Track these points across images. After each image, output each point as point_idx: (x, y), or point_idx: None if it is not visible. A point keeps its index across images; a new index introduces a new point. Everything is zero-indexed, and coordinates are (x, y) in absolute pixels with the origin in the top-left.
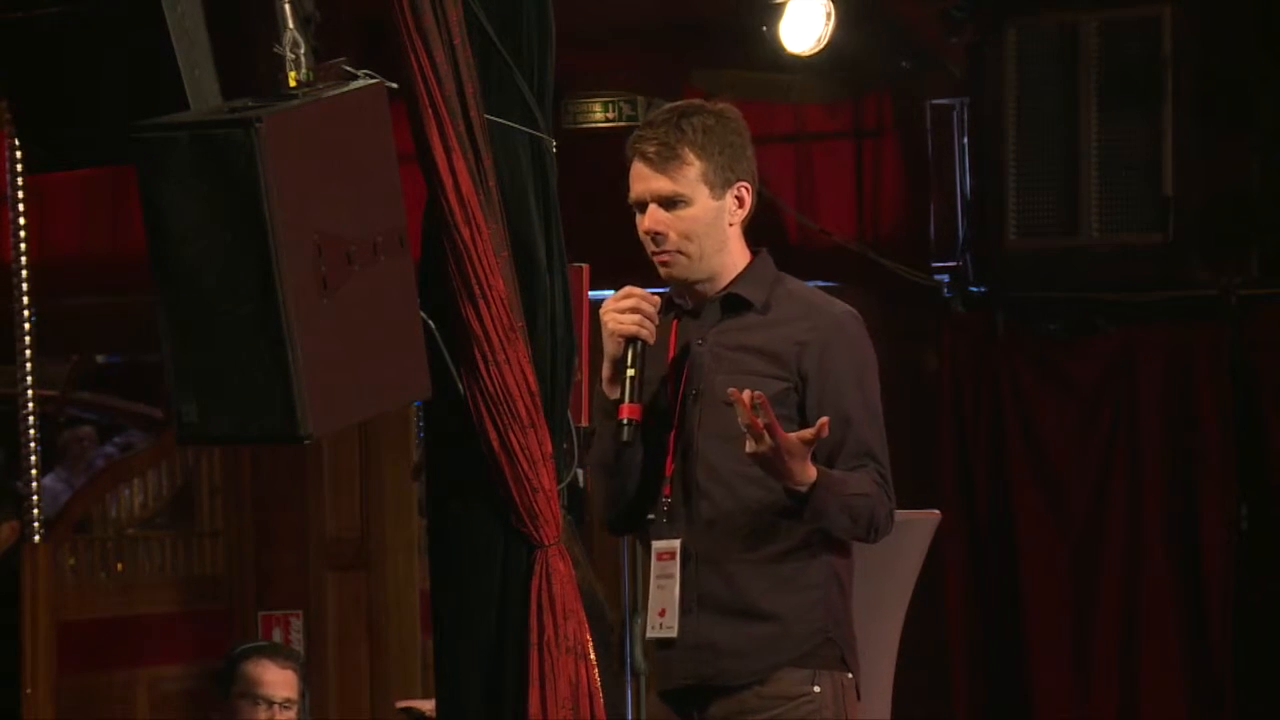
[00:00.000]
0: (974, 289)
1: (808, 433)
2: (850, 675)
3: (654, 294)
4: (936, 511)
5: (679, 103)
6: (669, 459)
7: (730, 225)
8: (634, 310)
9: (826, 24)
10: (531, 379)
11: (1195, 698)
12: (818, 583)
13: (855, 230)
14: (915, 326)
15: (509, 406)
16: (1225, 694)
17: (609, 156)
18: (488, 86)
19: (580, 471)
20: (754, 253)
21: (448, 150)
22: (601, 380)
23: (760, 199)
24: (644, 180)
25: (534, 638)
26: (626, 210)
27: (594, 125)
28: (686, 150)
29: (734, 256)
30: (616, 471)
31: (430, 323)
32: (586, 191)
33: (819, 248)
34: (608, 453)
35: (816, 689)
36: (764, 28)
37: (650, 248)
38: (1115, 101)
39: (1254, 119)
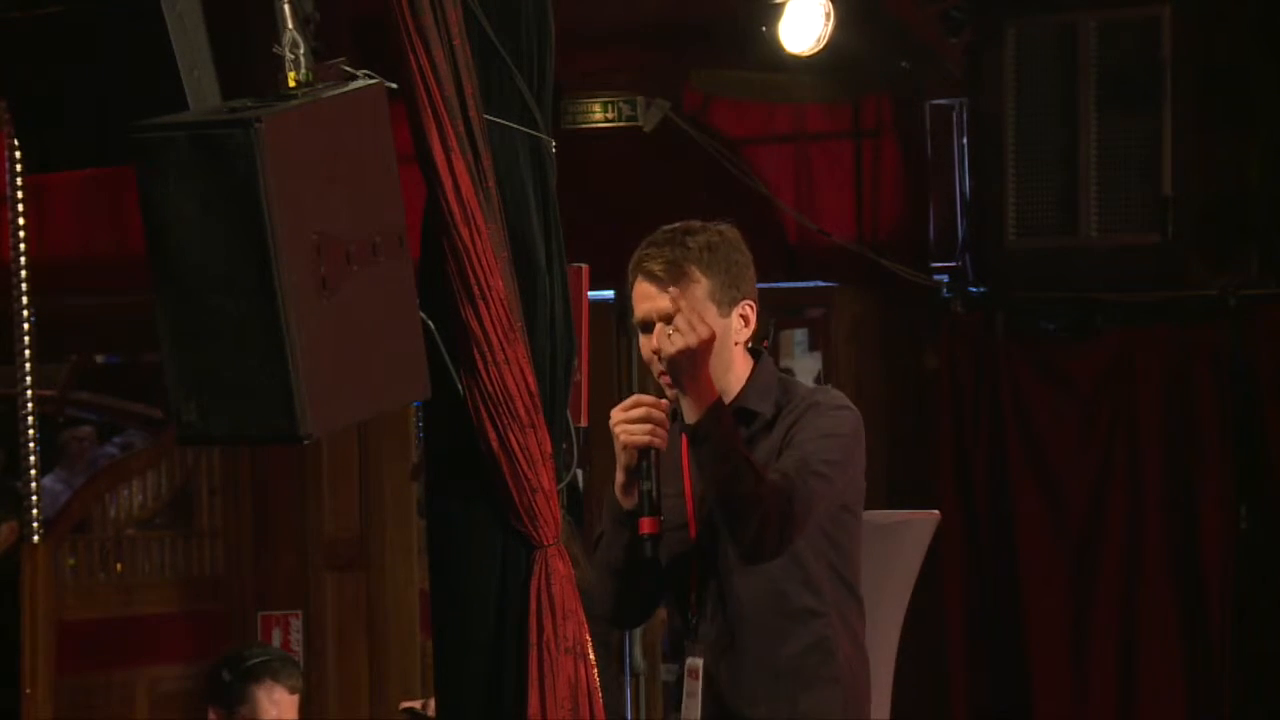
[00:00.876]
0: (973, 289)
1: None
2: None
3: (663, 400)
4: (936, 512)
5: (677, 224)
6: (692, 579)
7: (735, 344)
8: (645, 419)
9: (826, 24)
10: (531, 379)
11: (1195, 698)
12: (837, 675)
13: (855, 230)
14: (915, 326)
15: (508, 406)
16: (1225, 694)
17: (609, 156)
18: (487, 87)
19: (580, 472)
20: (754, 356)
21: (447, 151)
22: (615, 485)
23: (759, 200)
24: (650, 299)
25: (533, 638)
26: (626, 210)
27: (594, 125)
28: (693, 268)
29: (739, 372)
30: (625, 573)
31: (430, 323)
32: (586, 191)
33: (819, 248)
34: (619, 559)
35: None
36: (764, 28)
37: (657, 368)
38: (1114, 101)
39: (1254, 119)
